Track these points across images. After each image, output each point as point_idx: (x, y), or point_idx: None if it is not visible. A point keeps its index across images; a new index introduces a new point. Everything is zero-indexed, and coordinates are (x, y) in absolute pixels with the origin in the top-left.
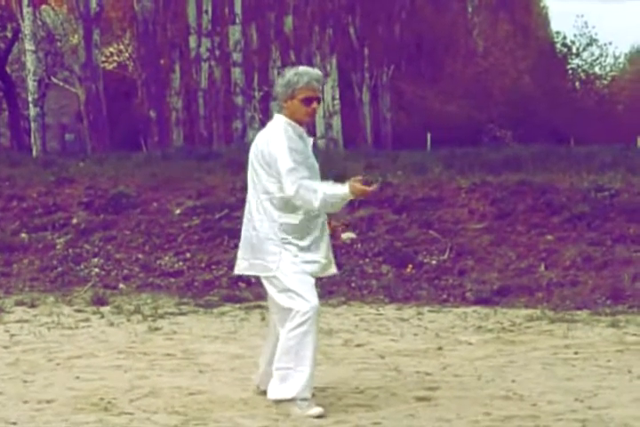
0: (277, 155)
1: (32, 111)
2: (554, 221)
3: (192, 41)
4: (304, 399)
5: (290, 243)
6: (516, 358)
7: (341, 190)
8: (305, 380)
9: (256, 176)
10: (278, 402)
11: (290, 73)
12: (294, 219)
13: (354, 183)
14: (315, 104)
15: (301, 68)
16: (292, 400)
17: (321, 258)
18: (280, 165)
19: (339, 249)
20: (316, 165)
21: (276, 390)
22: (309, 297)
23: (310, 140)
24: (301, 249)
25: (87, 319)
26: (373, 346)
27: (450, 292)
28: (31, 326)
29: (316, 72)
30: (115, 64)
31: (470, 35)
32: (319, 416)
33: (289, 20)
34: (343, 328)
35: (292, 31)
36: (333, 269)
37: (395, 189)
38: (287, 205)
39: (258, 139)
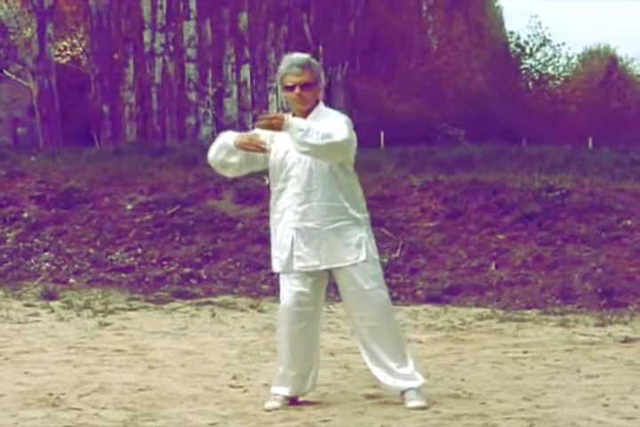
0: None
1: None
2: (505, 220)
3: (146, 36)
4: (275, 395)
5: None
6: (465, 357)
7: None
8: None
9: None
10: None
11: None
12: None
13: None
14: (297, 89)
15: (288, 55)
16: None
17: None
18: None
19: None
20: None
21: None
22: None
23: None
24: None
25: (37, 314)
26: (323, 343)
27: (401, 290)
28: None
29: (298, 56)
30: (68, 58)
31: (424, 33)
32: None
33: (244, 17)
34: None
35: (246, 28)
36: None
37: None
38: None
39: None
